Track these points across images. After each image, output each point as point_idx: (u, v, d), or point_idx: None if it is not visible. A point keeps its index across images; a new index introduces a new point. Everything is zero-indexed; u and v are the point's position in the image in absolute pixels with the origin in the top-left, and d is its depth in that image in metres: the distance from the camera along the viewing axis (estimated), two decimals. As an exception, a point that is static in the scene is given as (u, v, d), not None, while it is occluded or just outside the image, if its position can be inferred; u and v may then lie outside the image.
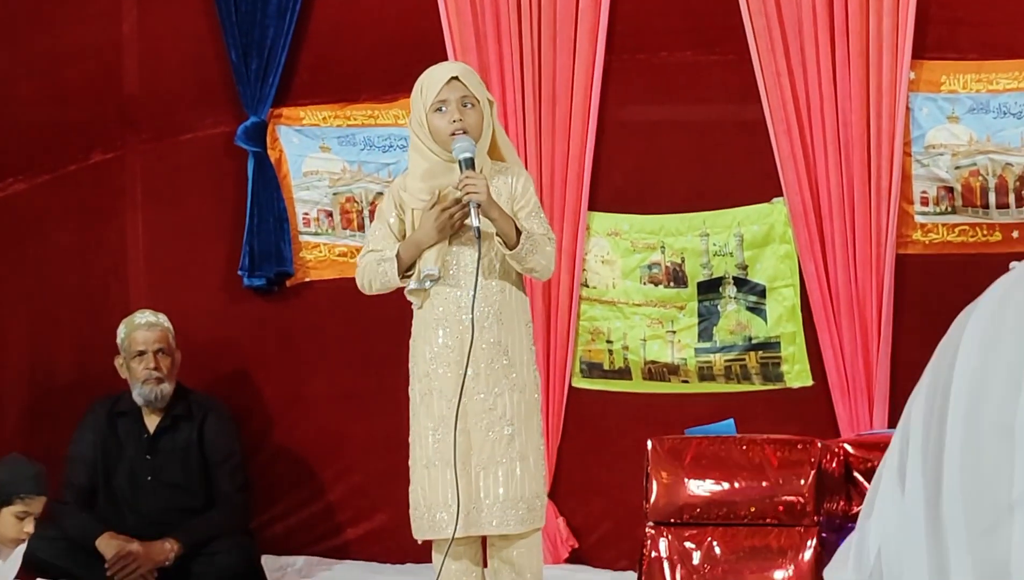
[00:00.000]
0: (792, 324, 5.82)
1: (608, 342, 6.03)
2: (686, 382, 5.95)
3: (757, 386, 5.88)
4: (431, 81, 4.56)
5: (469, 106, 4.52)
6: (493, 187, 4.54)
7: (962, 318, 1.33)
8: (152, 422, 6.02)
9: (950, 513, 1.29)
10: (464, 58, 5.95)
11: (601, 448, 6.01)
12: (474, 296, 4.50)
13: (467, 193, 4.42)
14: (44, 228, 6.54)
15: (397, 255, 4.57)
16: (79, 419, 6.09)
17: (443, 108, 4.51)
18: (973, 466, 1.27)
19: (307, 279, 6.38)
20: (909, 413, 1.37)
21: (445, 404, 4.52)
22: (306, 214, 6.35)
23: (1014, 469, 1.25)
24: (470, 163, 4.45)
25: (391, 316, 5.81)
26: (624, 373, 6.03)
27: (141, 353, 5.94)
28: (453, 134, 4.48)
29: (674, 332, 5.95)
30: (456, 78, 4.53)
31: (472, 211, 4.43)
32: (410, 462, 4.64)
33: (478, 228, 4.42)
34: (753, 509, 3.65)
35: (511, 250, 4.48)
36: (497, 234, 4.49)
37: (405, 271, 4.57)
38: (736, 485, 3.67)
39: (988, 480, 1.26)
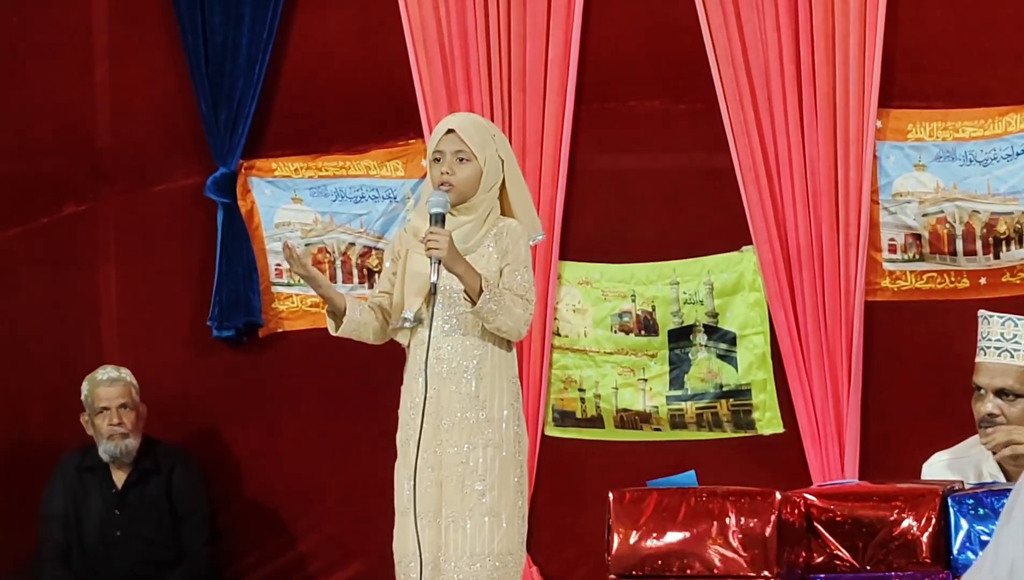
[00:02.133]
0: (763, 371, 5.84)
1: (580, 390, 6.04)
2: (658, 430, 5.96)
3: (728, 434, 5.90)
4: (435, 130, 4.68)
5: (464, 161, 4.56)
6: (486, 245, 4.58)
7: None
8: (120, 477, 6.01)
9: None
10: (434, 109, 5.98)
11: (574, 497, 6.01)
12: (427, 350, 4.52)
13: (428, 249, 4.45)
14: (16, 280, 6.55)
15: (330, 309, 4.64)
16: (51, 469, 6.09)
17: (439, 158, 4.58)
18: None
19: (280, 330, 6.38)
20: None
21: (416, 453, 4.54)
22: (279, 265, 6.35)
23: None
24: (439, 219, 4.48)
25: (363, 366, 5.83)
26: (596, 421, 6.04)
27: (104, 409, 5.94)
28: (440, 185, 4.54)
29: (645, 380, 5.97)
30: (453, 131, 4.58)
31: (431, 266, 4.45)
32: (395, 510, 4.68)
33: (434, 284, 4.45)
34: (713, 561, 3.65)
35: (472, 307, 4.51)
36: (465, 290, 4.52)
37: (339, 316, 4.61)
38: (696, 537, 3.67)
39: None
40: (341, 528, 6.28)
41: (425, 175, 5.11)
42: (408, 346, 4.66)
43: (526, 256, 4.65)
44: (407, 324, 4.58)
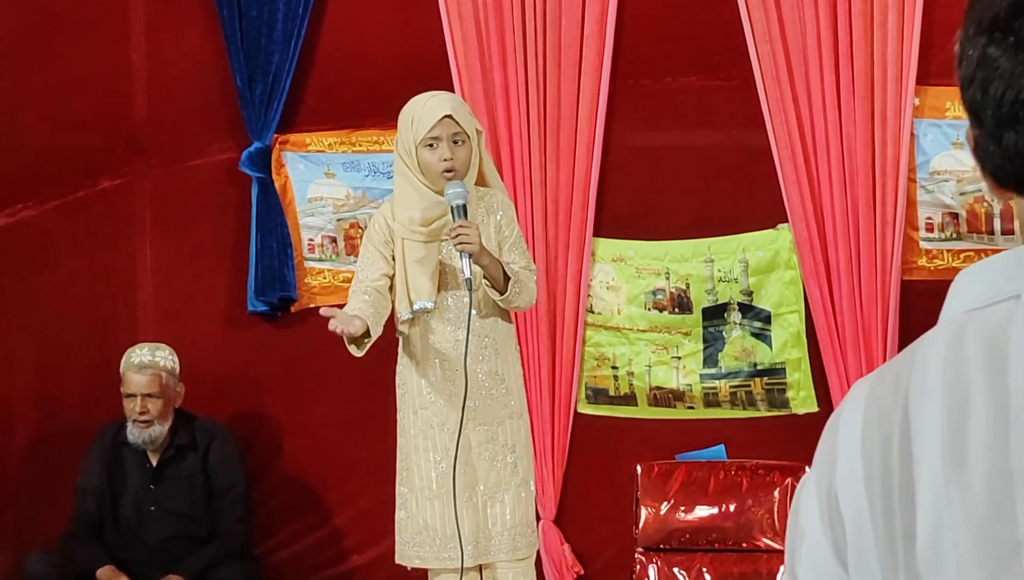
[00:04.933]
0: (797, 350, 5.81)
1: (613, 368, 6.03)
2: (691, 408, 5.94)
3: (763, 412, 5.86)
4: (423, 117, 4.54)
5: (460, 143, 4.52)
6: (480, 220, 4.56)
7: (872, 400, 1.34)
8: (156, 452, 5.99)
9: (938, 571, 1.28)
10: (469, 84, 5.96)
11: (606, 474, 6.00)
12: (466, 342, 4.50)
13: (459, 243, 4.40)
14: (52, 254, 6.56)
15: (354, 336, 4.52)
16: (87, 445, 6.09)
17: (434, 144, 4.51)
18: (967, 520, 1.27)
19: (312, 305, 6.38)
20: (833, 500, 1.35)
21: (448, 436, 4.53)
22: (311, 240, 6.36)
23: (1016, 509, 1.25)
24: (462, 211, 4.43)
25: (395, 342, 5.82)
26: (629, 399, 6.02)
27: (131, 395, 5.89)
28: (444, 172, 4.49)
29: (679, 358, 5.95)
30: (449, 116, 4.52)
31: (464, 262, 4.42)
32: (402, 491, 4.66)
33: (469, 279, 4.42)
34: (741, 535, 3.64)
35: (501, 296, 4.49)
36: (485, 277, 4.50)
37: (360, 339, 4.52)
38: (725, 511, 3.65)
39: (987, 528, 1.26)
40: (374, 504, 6.28)
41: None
42: (408, 334, 4.64)
43: (518, 226, 4.67)
44: (426, 315, 4.56)
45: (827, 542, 1.35)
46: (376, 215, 4.75)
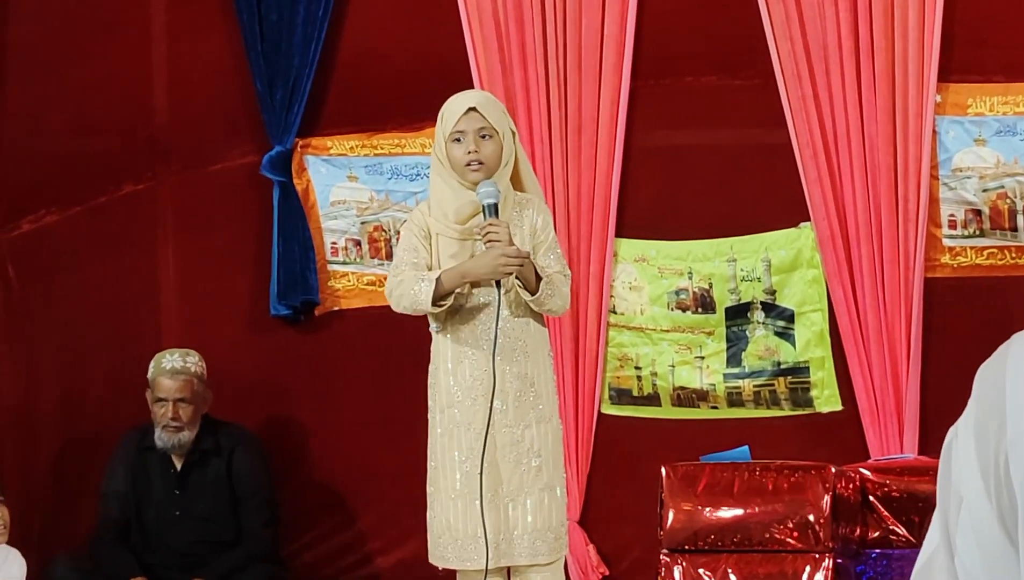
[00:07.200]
0: (821, 349, 5.80)
1: (637, 368, 6.03)
2: (715, 408, 5.94)
3: (787, 411, 5.86)
4: (450, 111, 4.59)
5: (487, 137, 4.53)
6: (514, 223, 4.56)
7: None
8: (181, 457, 5.99)
9: None
10: (490, 86, 5.96)
11: (630, 474, 6.00)
12: (495, 340, 4.50)
13: (488, 241, 4.42)
14: (75, 259, 6.58)
15: (438, 279, 4.53)
16: (110, 449, 6.10)
17: (460, 138, 4.53)
18: None
19: (336, 308, 6.39)
20: (1002, 466, 1.19)
21: (474, 436, 4.53)
22: (334, 243, 6.36)
23: None
24: (493, 209, 4.45)
25: (419, 344, 5.82)
26: (653, 399, 6.02)
27: (162, 399, 5.88)
28: (468, 165, 4.50)
29: (702, 358, 5.94)
30: (474, 109, 4.54)
31: None
32: (431, 490, 4.66)
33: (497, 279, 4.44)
34: (767, 535, 3.64)
35: (532, 296, 4.49)
36: (517, 278, 4.50)
37: (440, 299, 4.52)
38: (750, 511, 3.65)
39: None
40: (399, 506, 6.29)
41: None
42: (440, 332, 4.63)
43: (554, 231, 4.65)
44: (458, 314, 4.57)
45: (991, 510, 1.22)
46: (414, 211, 4.79)
